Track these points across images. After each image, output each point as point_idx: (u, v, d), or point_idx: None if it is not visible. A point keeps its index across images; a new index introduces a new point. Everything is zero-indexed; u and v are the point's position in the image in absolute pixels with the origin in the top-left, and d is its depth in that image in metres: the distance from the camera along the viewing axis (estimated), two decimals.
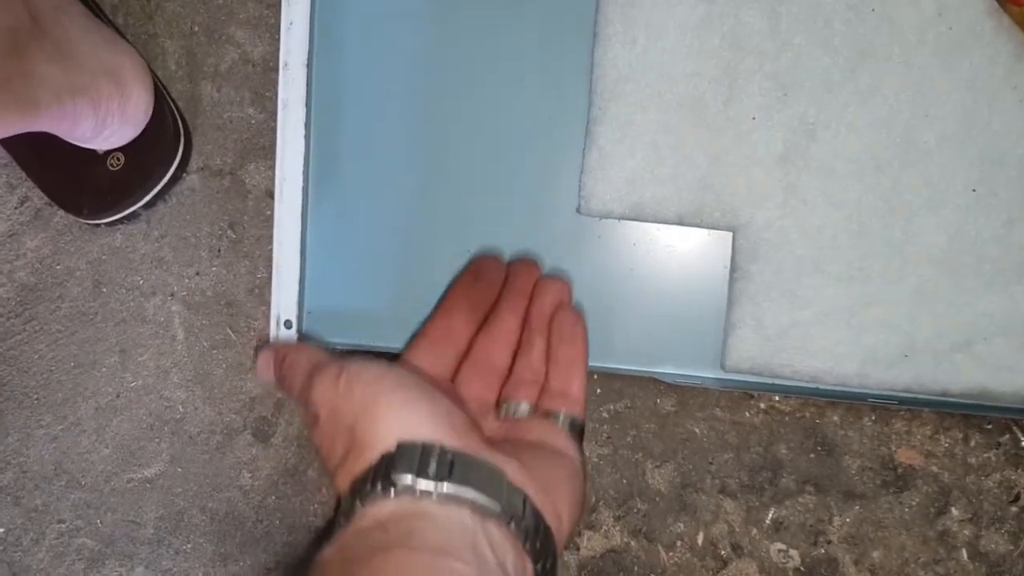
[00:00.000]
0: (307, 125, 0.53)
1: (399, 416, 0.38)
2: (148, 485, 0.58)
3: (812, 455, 0.53)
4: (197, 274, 0.58)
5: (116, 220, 0.58)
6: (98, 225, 0.58)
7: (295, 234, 0.53)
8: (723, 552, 0.53)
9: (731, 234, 0.51)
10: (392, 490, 0.35)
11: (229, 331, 0.58)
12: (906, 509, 0.52)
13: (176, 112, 0.58)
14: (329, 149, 0.54)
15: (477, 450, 0.38)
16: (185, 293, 0.58)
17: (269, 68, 0.58)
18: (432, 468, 0.36)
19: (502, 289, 0.49)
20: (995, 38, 0.48)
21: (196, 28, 0.59)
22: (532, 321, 0.48)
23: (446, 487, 0.35)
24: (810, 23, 0.49)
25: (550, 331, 0.48)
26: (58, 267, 0.59)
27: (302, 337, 0.54)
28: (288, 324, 0.53)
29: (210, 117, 0.59)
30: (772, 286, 0.50)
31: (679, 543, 0.54)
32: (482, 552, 0.34)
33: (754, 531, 0.53)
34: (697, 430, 0.54)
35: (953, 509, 0.52)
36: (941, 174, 0.49)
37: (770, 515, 0.53)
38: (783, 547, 0.53)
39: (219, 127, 0.58)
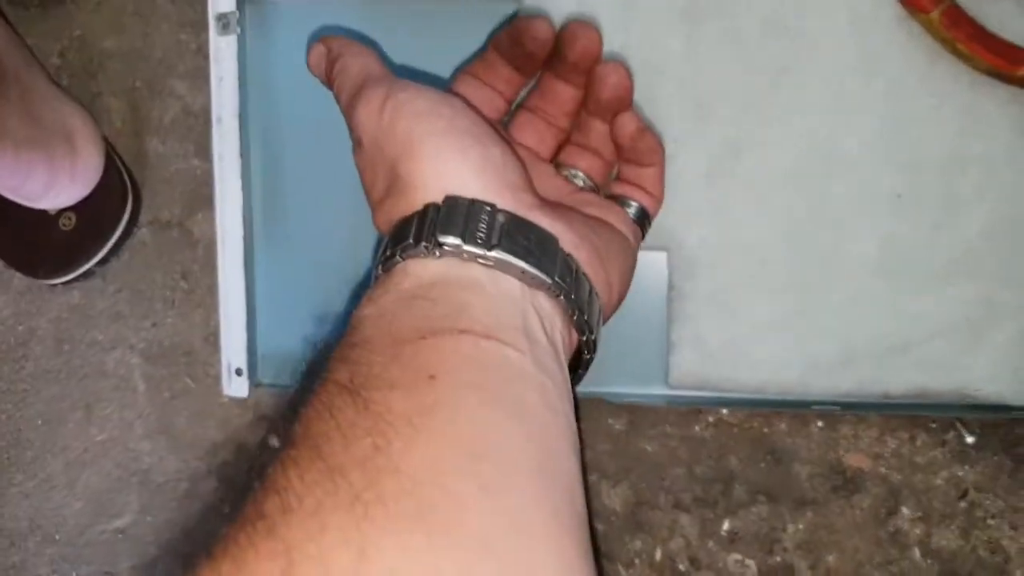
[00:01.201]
0: (244, 176, 0.54)
1: (447, 164, 0.34)
2: (120, 535, 0.59)
3: (762, 465, 0.54)
4: (153, 325, 0.59)
5: (72, 279, 0.59)
6: (55, 285, 0.60)
7: (239, 284, 0.54)
8: (681, 567, 0.54)
9: (665, 254, 0.52)
10: (437, 252, 0.32)
11: (188, 380, 0.59)
12: (857, 512, 0.53)
13: (124, 168, 0.60)
14: (272, 196, 0.55)
15: (529, 210, 0.34)
16: (143, 345, 0.59)
17: (211, 118, 0.59)
18: (482, 232, 0.32)
19: (550, 59, 0.41)
20: (908, 45, 0.48)
21: (138, 84, 0.60)
22: (590, 106, 0.41)
23: (496, 253, 0.32)
24: (726, 43, 0.50)
25: (613, 127, 0.42)
26: (20, 328, 0.60)
27: (258, 384, 0.55)
28: (239, 372, 0.54)
29: (157, 170, 0.60)
30: (708, 303, 0.51)
31: (638, 561, 0.55)
32: (532, 330, 0.32)
33: (710, 544, 0.54)
34: (649, 447, 0.55)
35: (903, 509, 0.53)
36: (866, 182, 0.50)
37: (725, 527, 0.54)
38: (740, 557, 0.54)
39: (166, 179, 0.60)
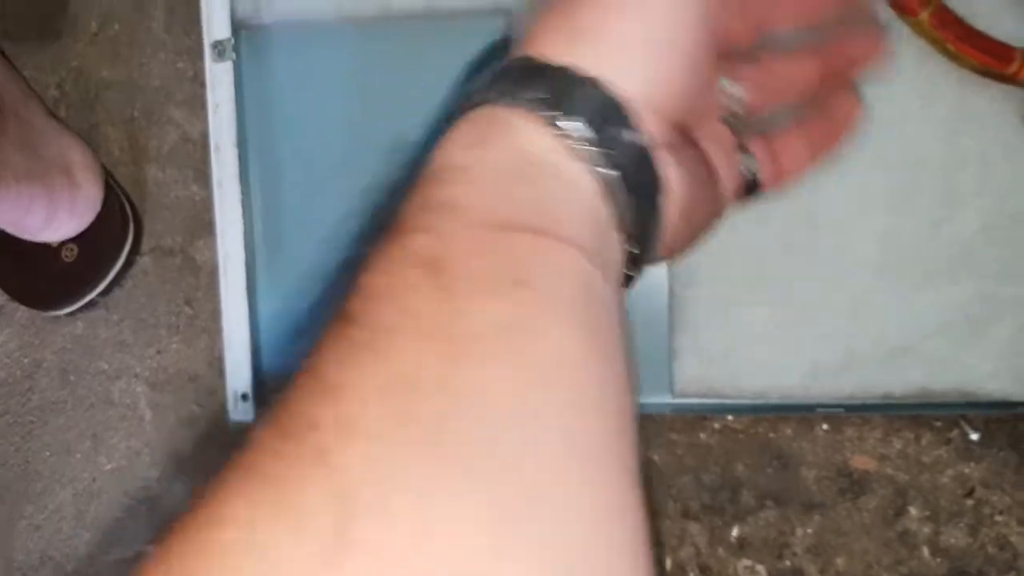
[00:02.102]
0: (244, 202, 0.54)
1: (634, 52, 0.28)
2: (131, 565, 0.59)
3: (769, 470, 0.54)
4: (158, 353, 0.59)
5: (76, 310, 0.59)
6: (59, 316, 0.60)
7: (243, 309, 0.54)
8: (692, 575, 0.54)
9: (665, 263, 0.52)
10: (553, 129, 0.27)
11: (194, 406, 0.59)
12: (865, 514, 0.53)
13: (124, 198, 0.60)
14: (272, 220, 0.55)
15: (658, 147, 0.29)
16: (148, 373, 0.59)
17: (209, 145, 0.59)
18: (607, 136, 0.27)
19: None
20: (896, 47, 0.49)
21: (136, 113, 0.61)
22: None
23: (603, 168, 0.27)
24: None
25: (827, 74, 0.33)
26: (25, 360, 0.60)
27: (264, 407, 0.55)
28: (245, 397, 0.54)
29: (157, 198, 0.60)
30: (709, 310, 0.51)
31: None
32: (609, 250, 0.27)
33: (720, 551, 0.54)
34: (655, 456, 0.55)
35: (911, 509, 0.53)
36: (863, 183, 0.50)
37: (734, 533, 0.54)
38: (750, 563, 0.54)
39: (166, 207, 0.60)
